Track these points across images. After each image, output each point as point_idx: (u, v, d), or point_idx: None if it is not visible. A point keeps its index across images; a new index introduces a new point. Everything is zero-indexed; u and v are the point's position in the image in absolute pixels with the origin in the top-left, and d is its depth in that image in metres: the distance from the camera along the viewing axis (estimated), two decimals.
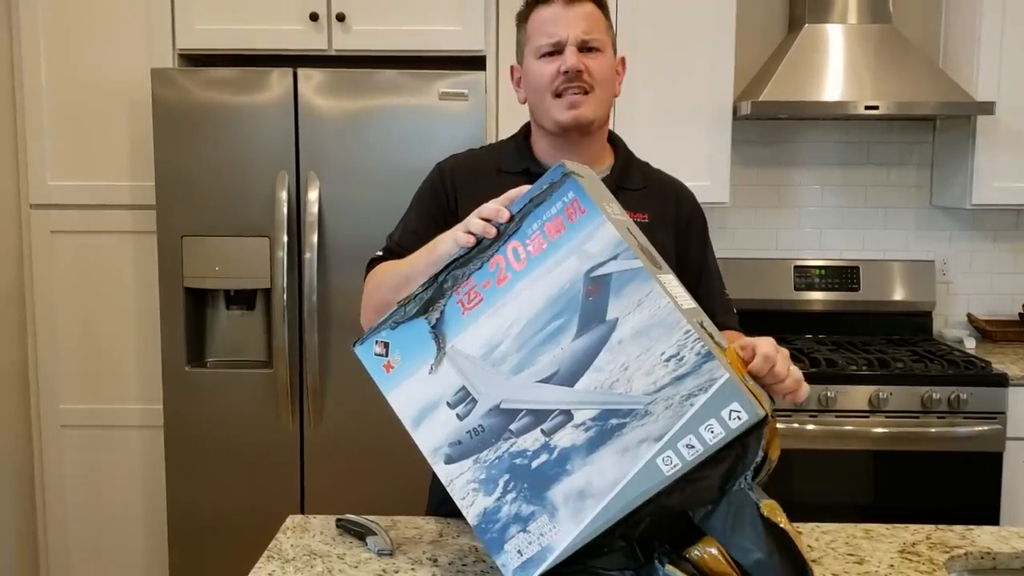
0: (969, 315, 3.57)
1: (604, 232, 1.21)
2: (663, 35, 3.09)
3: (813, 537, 1.55)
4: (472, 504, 1.27)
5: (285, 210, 2.80)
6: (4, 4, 3.02)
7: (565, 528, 1.22)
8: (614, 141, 1.79)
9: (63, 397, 3.10)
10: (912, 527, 1.59)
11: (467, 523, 1.29)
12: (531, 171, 1.67)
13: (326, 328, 2.84)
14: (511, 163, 1.72)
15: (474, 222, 1.29)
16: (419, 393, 1.30)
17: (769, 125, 3.54)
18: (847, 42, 3.23)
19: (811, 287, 3.50)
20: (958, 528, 1.58)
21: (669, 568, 1.25)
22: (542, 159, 1.71)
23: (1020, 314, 3.55)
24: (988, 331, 3.46)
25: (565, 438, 1.22)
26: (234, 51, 2.97)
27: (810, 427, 2.94)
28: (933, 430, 2.94)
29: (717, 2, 3.11)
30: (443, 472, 1.29)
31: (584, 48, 1.63)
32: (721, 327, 1.71)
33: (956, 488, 2.96)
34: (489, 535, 1.27)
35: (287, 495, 2.90)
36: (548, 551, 1.23)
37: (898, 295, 3.50)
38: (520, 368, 1.25)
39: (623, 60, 1.75)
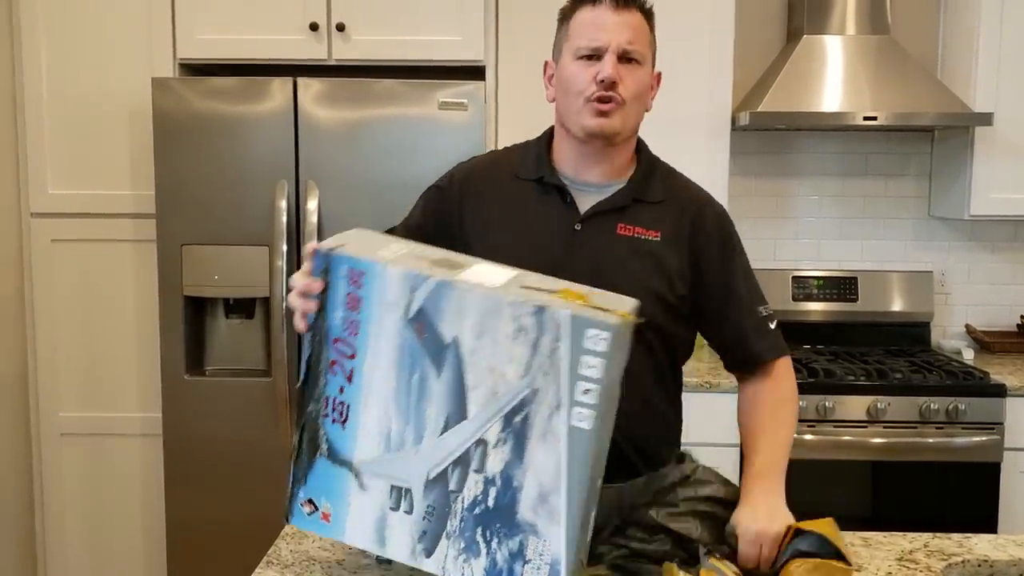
0: (967, 326, 3.58)
1: (389, 276, 1.24)
2: (662, 45, 3.08)
3: None
4: (472, 573, 1.26)
5: (284, 219, 2.81)
6: (6, 14, 3.04)
7: (552, 535, 1.21)
8: (639, 149, 1.71)
9: (63, 405, 3.10)
10: (910, 535, 1.59)
11: None
12: (545, 180, 1.64)
13: None
14: (528, 170, 1.68)
15: (295, 304, 1.32)
16: (364, 519, 1.30)
17: (768, 136, 3.55)
18: (846, 53, 3.24)
19: (809, 297, 3.50)
20: (955, 536, 1.59)
21: (712, 561, 1.30)
22: (561, 168, 1.66)
23: (1018, 325, 3.56)
24: (986, 342, 3.47)
25: (495, 462, 1.22)
26: (234, 60, 2.98)
27: (808, 437, 2.95)
28: (931, 440, 2.95)
29: (716, 13, 3.12)
30: (431, 565, 1.27)
31: (624, 58, 1.57)
32: (751, 357, 1.70)
33: (954, 498, 2.96)
34: None
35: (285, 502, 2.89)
36: (556, 564, 1.22)
37: (896, 306, 3.50)
38: (419, 436, 1.25)
39: (659, 75, 1.69)
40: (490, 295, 1.19)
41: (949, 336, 3.60)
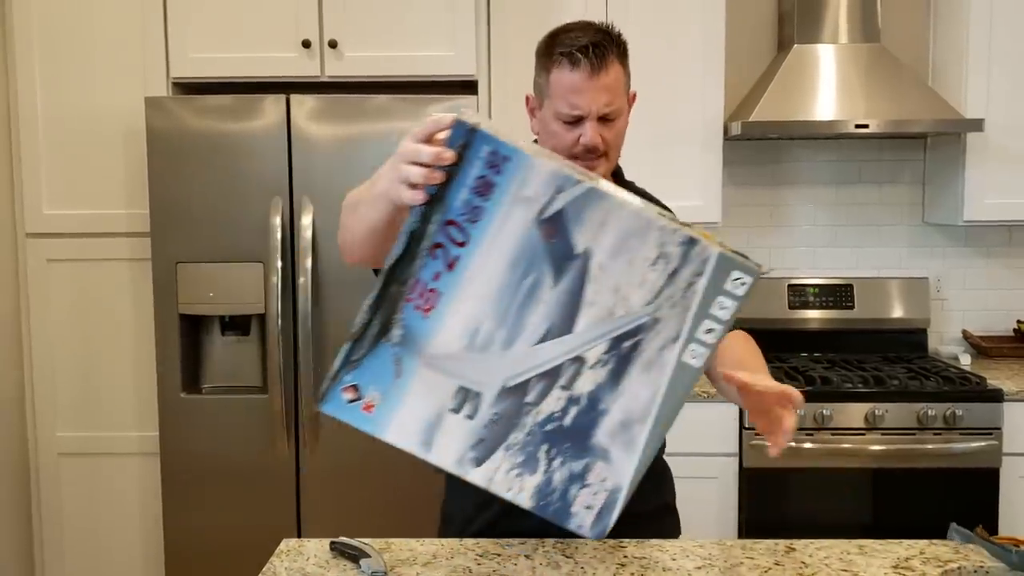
0: (964, 331, 3.58)
1: (537, 171, 1.13)
2: (654, 56, 3.12)
3: (807, 553, 1.55)
4: (522, 489, 1.21)
5: (279, 235, 2.82)
6: None
7: (622, 464, 1.19)
8: (615, 172, 1.80)
9: (60, 425, 3.10)
10: (906, 542, 1.59)
11: (460, 544, 1.28)
12: None
13: (321, 352, 2.85)
14: None
15: (414, 172, 1.14)
16: (415, 417, 1.22)
17: (760, 145, 3.56)
18: (837, 61, 3.25)
19: (806, 305, 3.51)
20: (952, 542, 1.58)
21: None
22: None
23: (1015, 330, 3.56)
24: (983, 347, 3.47)
25: (586, 382, 1.18)
26: (228, 78, 2.99)
27: (807, 445, 2.94)
28: (930, 446, 2.94)
29: (707, 23, 3.13)
30: (478, 476, 1.22)
31: (603, 118, 1.63)
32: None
33: (954, 504, 2.96)
34: (552, 507, 1.22)
35: (283, 520, 2.89)
36: (616, 491, 1.19)
37: (893, 312, 3.51)
38: (511, 341, 1.18)
39: (634, 95, 1.74)
40: (641, 215, 1.13)
41: (946, 342, 3.60)
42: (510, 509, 1.27)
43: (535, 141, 1.74)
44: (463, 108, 1.22)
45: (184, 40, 2.96)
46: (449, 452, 1.22)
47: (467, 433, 1.21)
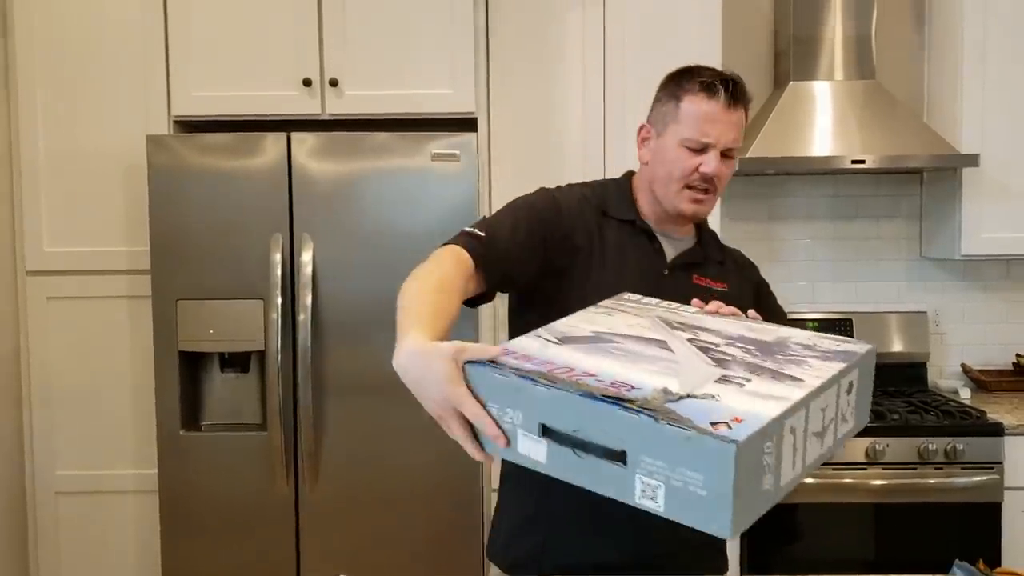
0: (963, 365, 3.58)
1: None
2: (651, 92, 3.14)
3: None
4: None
5: (279, 272, 2.82)
6: (2, 72, 3.07)
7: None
8: None
9: (58, 463, 3.09)
10: None
11: None
12: (637, 224, 1.74)
13: (321, 390, 2.85)
14: (618, 210, 1.75)
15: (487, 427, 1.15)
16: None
17: (758, 181, 3.58)
18: (833, 98, 3.28)
19: None
20: None
21: None
22: (645, 215, 1.76)
23: (1014, 363, 3.56)
24: (982, 381, 3.47)
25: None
26: (229, 116, 3.01)
27: (808, 481, 2.93)
28: (931, 481, 2.94)
29: (703, 60, 3.15)
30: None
31: (725, 153, 1.67)
32: None
33: (956, 539, 2.95)
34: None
35: (283, 558, 2.87)
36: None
37: (892, 347, 3.51)
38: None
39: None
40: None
41: (945, 376, 3.60)
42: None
43: (636, 172, 1.81)
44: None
45: (186, 78, 2.98)
46: None
47: None
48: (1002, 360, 3.60)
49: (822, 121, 3.26)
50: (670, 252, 1.75)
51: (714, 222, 3.19)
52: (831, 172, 3.47)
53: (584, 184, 1.83)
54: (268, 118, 3.01)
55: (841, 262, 3.62)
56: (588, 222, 1.70)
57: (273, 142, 2.85)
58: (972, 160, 3.13)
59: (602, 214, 1.73)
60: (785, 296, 3.58)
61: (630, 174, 1.84)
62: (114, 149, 3.03)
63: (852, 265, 3.62)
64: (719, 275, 1.79)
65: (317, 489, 2.87)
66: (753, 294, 1.85)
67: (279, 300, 2.81)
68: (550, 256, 1.64)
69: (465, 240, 1.54)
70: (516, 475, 1.72)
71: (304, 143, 2.85)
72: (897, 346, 3.50)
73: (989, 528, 2.94)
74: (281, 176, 2.85)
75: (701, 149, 1.66)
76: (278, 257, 2.82)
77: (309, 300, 2.82)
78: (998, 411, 3.09)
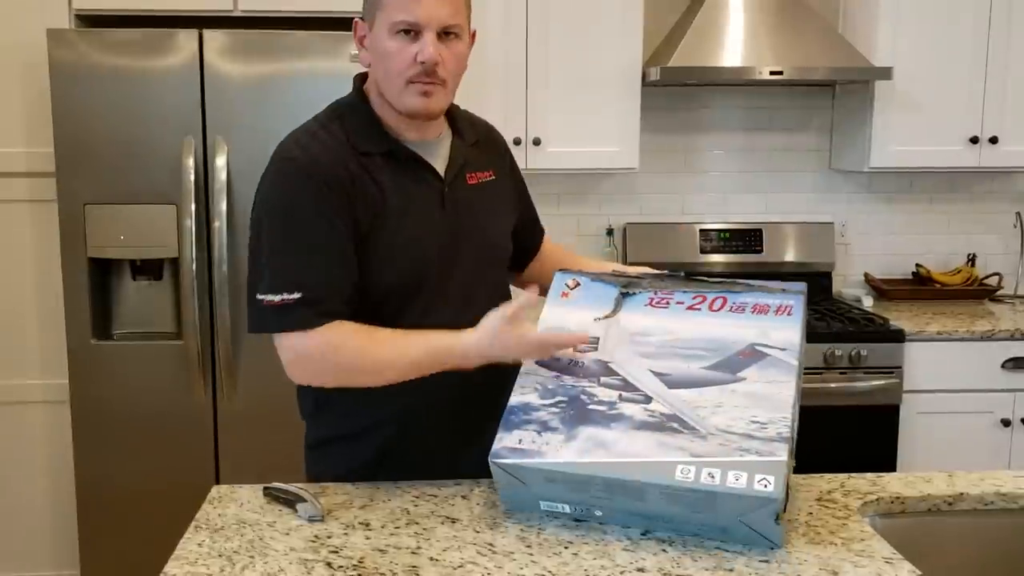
0: (866, 274, 3.71)
1: (792, 333, 1.48)
2: (574, 1, 3.11)
3: None
4: (521, 395, 1.47)
5: (192, 177, 2.73)
6: None
7: (566, 453, 1.37)
8: None
9: None
10: (827, 476, 1.66)
11: (396, 488, 1.42)
12: (393, 153, 1.58)
13: (237, 298, 2.79)
14: (369, 141, 1.58)
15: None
16: (566, 321, 1.54)
17: (676, 92, 3.59)
18: (749, 8, 3.28)
19: (716, 250, 3.58)
20: (869, 476, 1.66)
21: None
22: (398, 136, 1.60)
23: (913, 273, 3.70)
24: (884, 290, 3.60)
25: (630, 409, 1.40)
26: (135, 11, 2.87)
27: None
28: (834, 385, 3.06)
29: None
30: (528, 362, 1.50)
31: (443, 33, 1.51)
32: (540, 231, 1.90)
33: (857, 440, 3.09)
34: (511, 418, 1.44)
35: (201, 468, 2.85)
36: (538, 456, 1.38)
37: (799, 256, 3.60)
38: (646, 356, 1.46)
39: (474, 34, 1.63)
40: (789, 402, 1.53)
41: (849, 284, 3.73)
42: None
43: (365, 75, 1.65)
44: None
45: None
46: None
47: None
48: (902, 270, 3.74)
49: (739, 31, 3.27)
50: (440, 165, 1.62)
51: (632, 132, 3.20)
52: (746, 83, 3.50)
53: (320, 126, 1.62)
54: (177, 14, 2.87)
55: (753, 173, 3.68)
56: (357, 179, 1.53)
57: (184, 40, 2.73)
58: (886, 73, 3.19)
59: (361, 155, 1.56)
60: (697, 207, 3.66)
61: (361, 82, 1.66)
62: (11, 43, 2.87)
63: (763, 176, 3.68)
64: (482, 162, 1.68)
65: (235, 398, 2.84)
66: (509, 173, 1.77)
67: (192, 206, 2.74)
68: (357, 239, 1.55)
69: (302, 315, 1.57)
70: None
71: (216, 41, 2.74)
72: (804, 256, 3.60)
73: (887, 430, 3.09)
74: (193, 76, 2.74)
75: (414, 31, 1.50)
76: (191, 162, 2.73)
77: (224, 206, 2.75)
78: (899, 319, 3.22)
